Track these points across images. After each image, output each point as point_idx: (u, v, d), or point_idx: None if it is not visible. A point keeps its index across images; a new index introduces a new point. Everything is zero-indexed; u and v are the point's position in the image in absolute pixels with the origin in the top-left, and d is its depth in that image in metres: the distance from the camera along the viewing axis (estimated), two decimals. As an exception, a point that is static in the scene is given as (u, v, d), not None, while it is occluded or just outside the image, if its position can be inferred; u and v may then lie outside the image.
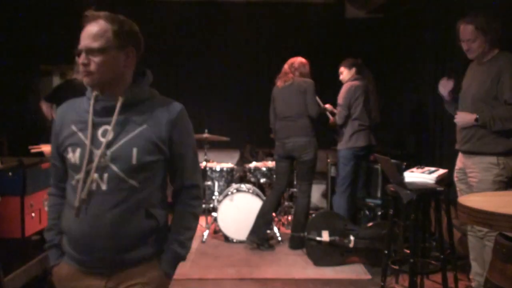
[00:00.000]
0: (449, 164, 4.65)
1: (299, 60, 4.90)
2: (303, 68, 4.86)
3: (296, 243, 4.77)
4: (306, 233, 4.38)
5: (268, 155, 6.10)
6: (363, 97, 4.86)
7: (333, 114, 5.03)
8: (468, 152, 3.27)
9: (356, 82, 4.92)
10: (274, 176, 5.09)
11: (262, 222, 4.79)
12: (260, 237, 4.78)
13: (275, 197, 4.94)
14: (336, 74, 5.11)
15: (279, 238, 5.01)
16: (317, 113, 4.78)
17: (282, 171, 4.93)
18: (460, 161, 3.39)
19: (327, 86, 5.38)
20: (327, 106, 5.06)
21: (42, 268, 3.45)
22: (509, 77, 3.06)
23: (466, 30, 3.23)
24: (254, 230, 4.80)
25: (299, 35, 6.88)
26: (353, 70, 5.00)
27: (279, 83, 4.89)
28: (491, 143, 3.13)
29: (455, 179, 3.41)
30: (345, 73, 5.04)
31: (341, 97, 4.90)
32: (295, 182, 5.39)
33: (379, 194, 5.31)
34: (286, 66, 4.90)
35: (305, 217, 4.79)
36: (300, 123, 4.75)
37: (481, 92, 3.17)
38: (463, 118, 3.26)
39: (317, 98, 4.84)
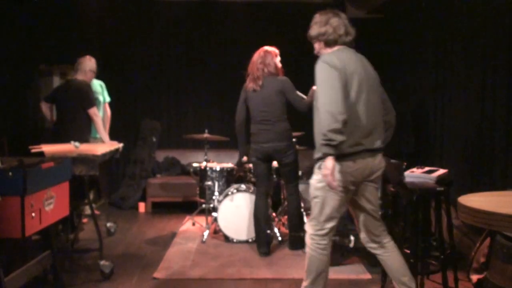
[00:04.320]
0: (449, 164, 4.67)
1: (269, 53, 4.58)
2: (272, 62, 4.56)
3: (295, 243, 4.75)
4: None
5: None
6: None
7: None
8: None
9: None
10: (256, 179, 4.90)
11: (263, 229, 4.69)
12: (268, 242, 4.73)
13: (264, 201, 4.74)
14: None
15: (279, 238, 5.01)
16: (306, 106, 4.42)
17: (263, 173, 4.73)
18: None
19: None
20: (314, 88, 4.77)
21: (42, 268, 3.45)
22: None
23: None
24: (260, 243, 4.67)
25: (299, 35, 6.85)
26: None
27: (252, 85, 4.59)
28: None
29: None
30: None
31: None
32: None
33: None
34: (259, 65, 4.56)
35: (298, 217, 4.77)
36: (280, 128, 4.54)
37: None
38: None
39: (298, 93, 4.57)
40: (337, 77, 2.82)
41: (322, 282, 3.05)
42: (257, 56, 4.64)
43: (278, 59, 4.66)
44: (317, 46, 3.14)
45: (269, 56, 4.60)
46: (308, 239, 3.08)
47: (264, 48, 4.65)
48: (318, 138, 2.85)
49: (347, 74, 2.87)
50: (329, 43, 3.07)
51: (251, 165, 5.49)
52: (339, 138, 2.72)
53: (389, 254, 3.12)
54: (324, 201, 2.96)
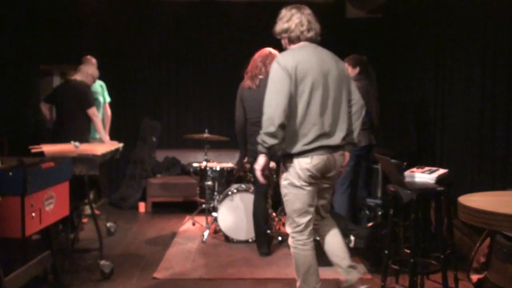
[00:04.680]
0: (450, 164, 4.67)
1: (271, 55, 4.53)
2: (272, 63, 4.59)
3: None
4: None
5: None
6: (365, 98, 4.81)
7: None
8: None
9: (358, 83, 4.86)
10: (253, 179, 4.81)
11: (263, 229, 4.68)
12: (268, 242, 4.74)
13: (263, 201, 4.72)
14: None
15: (279, 238, 5.01)
16: None
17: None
18: None
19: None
20: None
21: (42, 268, 3.45)
22: None
23: None
24: (260, 243, 4.67)
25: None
26: (357, 69, 4.91)
27: (248, 83, 4.57)
28: None
29: None
30: (349, 71, 4.94)
31: None
32: None
33: (379, 194, 5.31)
34: (258, 63, 4.54)
35: None
36: None
37: None
38: None
39: None
40: (286, 81, 2.92)
41: (314, 278, 3.13)
42: (258, 55, 4.63)
43: None
44: (283, 42, 3.21)
45: (271, 57, 4.54)
46: (289, 239, 3.17)
47: (268, 49, 4.61)
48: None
49: (297, 74, 2.94)
50: (292, 40, 3.12)
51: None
52: (270, 141, 2.91)
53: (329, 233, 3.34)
54: (293, 197, 3.05)
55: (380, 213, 5.08)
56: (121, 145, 4.74)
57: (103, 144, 4.87)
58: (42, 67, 7.09)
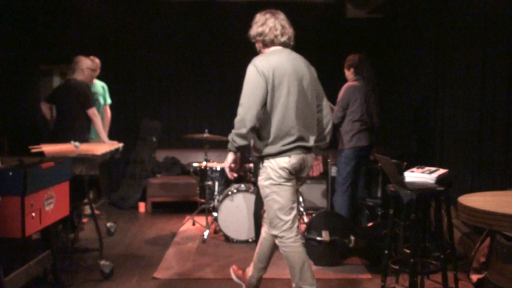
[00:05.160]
0: (449, 164, 4.67)
1: None
2: None
3: None
4: (306, 233, 4.38)
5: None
6: (363, 98, 4.83)
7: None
8: None
9: (355, 83, 4.88)
10: (255, 179, 4.90)
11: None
12: None
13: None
14: (336, 74, 5.09)
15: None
16: None
17: None
18: None
19: (327, 86, 5.33)
20: None
21: (42, 268, 3.45)
22: None
23: None
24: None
25: (299, 35, 6.83)
26: (351, 70, 4.96)
27: None
28: None
29: None
30: (347, 74, 5.02)
31: (339, 97, 4.88)
32: None
33: (379, 194, 5.31)
34: None
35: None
36: None
37: None
38: None
39: None
40: (262, 86, 3.03)
41: (310, 274, 3.15)
42: None
43: None
44: (257, 45, 3.32)
45: None
46: (277, 242, 3.22)
47: None
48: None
49: (275, 79, 3.04)
50: (266, 44, 3.23)
51: (251, 165, 5.50)
52: (240, 142, 3.05)
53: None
54: (276, 196, 3.11)
55: (380, 213, 5.08)
56: (121, 145, 4.74)
57: (103, 144, 4.87)
58: (42, 67, 7.08)
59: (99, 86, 5.78)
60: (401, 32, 6.39)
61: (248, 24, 3.36)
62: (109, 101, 5.95)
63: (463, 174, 4.56)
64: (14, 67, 6.20)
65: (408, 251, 3.33)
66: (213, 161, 5.76)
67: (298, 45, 5.17)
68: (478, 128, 4.40)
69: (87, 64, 5.25)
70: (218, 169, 5.41)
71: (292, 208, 3.13)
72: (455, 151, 4.85)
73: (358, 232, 4.33)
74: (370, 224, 4.50)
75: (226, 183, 5.40)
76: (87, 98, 5.07)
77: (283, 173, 3.08)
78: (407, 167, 3.56)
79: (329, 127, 3.34)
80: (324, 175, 6.12)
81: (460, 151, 4.73)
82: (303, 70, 3.18)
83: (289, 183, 3.11)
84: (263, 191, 3.17)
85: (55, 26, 6.77)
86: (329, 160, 5.72)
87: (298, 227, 3.19)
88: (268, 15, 3.22)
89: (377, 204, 5.14)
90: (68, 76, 5.32)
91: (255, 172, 5.08)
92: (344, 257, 4.36)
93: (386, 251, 3.44)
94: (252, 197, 4.97)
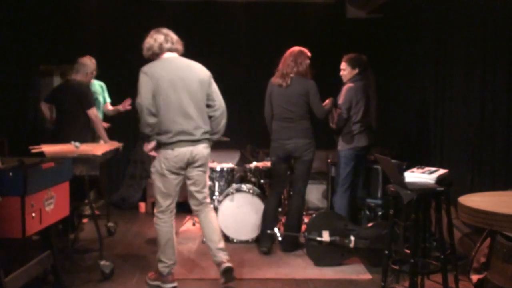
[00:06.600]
0: (449, 164, 4.67)
1: (302, 53, 4.66)
2: (304, 63, 4.64)
3: (288, 245, 4.74)
4: (306, 233, 4.38)
5: (269, 155, 6.09)
6: (364, 99, 4.82)
7: (336, 105, 4.84)
8: None
9: (357, 84, 4.85)
10: (273, 178, 4.96)
11: (269, 228, 4.70)
12: (271, 240, 4.74)
13: (277, 200, 4.83)
14: (337, 74, 5.04)
15: (279, 238, 5.01)
16: (324, 113, 4.67)
17: (282, 173, 4.81)
18: None
19: (327, 86, 5.36)
20: (327, 102, 4.77)
21: (42, 268, 3.45)
22: None
23: None
24: (263, 240, 4.71)
25: (299, 35, 6.87)
26: (356, 70, 4.86)
27: (278, 80, 4.65)
28: None
29: None
30: (347, 72, 4.89)
31: (341, 99, 4.82)
32: None
33: (379, 194, 5.31)
34: (290, 62, 4.63)
35: (298, 219, 4.76)
36: (302, 125, 4.62)
37: None
38: None
39: (319, 99, 4.66)
40: (150, 87, 3.59)
41: (171, 250, 3.73)
42: (289, 53, 4.70)
43: (308, 61, 4.70)
44: (151, 59, 3.82)
45: (302, 56, 4.67)
46: (154, 218, 3.77)
47: (299, 48, 4.71)
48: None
49: (160, 81, 3.59)
50: (156, 53, 3.79)
51: (251, 165, 5.50)
52: (146, 132, 3.71)
53: (205, 220, 3.86)
54: (158, 182, 3.67)
55: (380, 213, 5.08)
56: (121, 145, 4.73)
57: (103, 144, 4.87)
58: (42, 67, 7.08)
59: (97, 85, 5.78)
60: (401, 32, 6.39)
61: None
62: (108, 99, 5.95)
63: (463, 174, 4.56)
64: (14, 67, 6.20)
65: (408, 251, 3.33)
66: (213, 161, 5.76)
67: (298, 45, 5.19)
68: (478, 128, 4.40)
69: (92, 69, 5.27)
70: (218, 169, 5.41)
71: (169, 196, 3.69)
72: (455, 151, 4.85)
73: (358, 232, 4.34)
74: (370, 224, 4.50)
75: (226, 183, 5.40)
76: (87, 99, 5.07)
77: (168, 164, 3.60)
78: (407, 167, 3.56)
79: (221, 125, 3.84)
80: (324, 175, 6.14)
81: (460, 151, 4.73)
82: (186, 73, 3.71)
83: (171, 175, 3.63)
84: (152, 176, 3.73)
85: (55, 26, 6.76)
86: (329, 160, 5.72)
87: (173, 213, 3.76)
88: (152, 32, 3.85)
89: (377, 204, 5.14)
90: (68, 77, 5.32)
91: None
92: (344, 257, 4.36)
93: (386, 251, 3.44)
94: (252, 198, 4.97)
